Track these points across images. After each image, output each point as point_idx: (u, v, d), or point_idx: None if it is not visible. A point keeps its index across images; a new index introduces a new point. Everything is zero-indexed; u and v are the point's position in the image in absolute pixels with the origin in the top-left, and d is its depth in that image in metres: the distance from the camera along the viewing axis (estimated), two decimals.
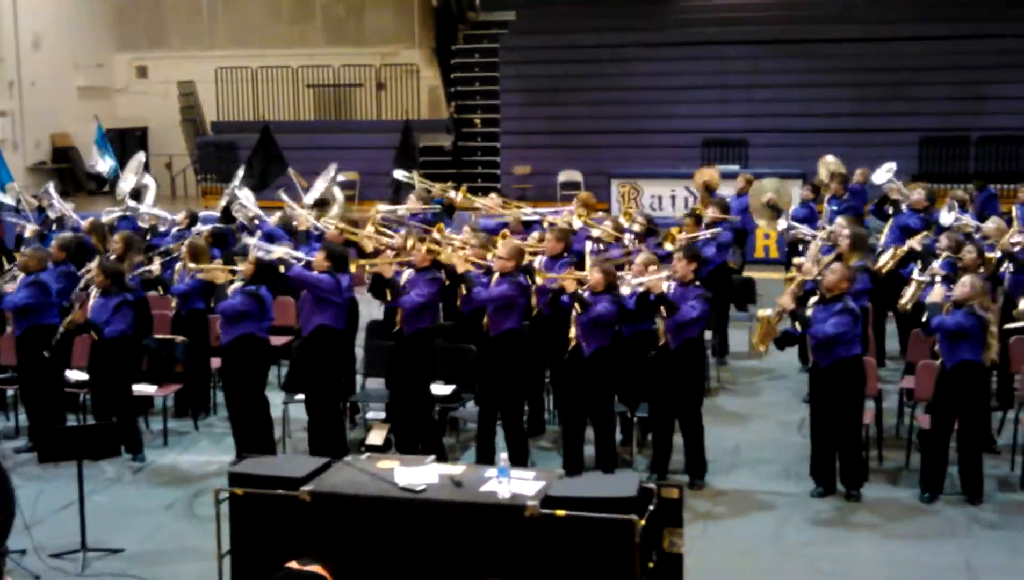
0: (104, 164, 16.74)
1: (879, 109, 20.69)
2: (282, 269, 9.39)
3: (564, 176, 21.25)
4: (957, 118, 20.49)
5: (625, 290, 8.87)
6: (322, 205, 13.93)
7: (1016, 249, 10.41)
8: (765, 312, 8.88)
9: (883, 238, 12.17)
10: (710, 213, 12.07)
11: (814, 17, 22.09)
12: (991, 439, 9.43)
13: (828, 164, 15.38)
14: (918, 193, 12.69)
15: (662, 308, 8.63)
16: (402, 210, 12.51)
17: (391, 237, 10.52)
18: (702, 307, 8.71)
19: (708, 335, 11.13)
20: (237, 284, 9.31)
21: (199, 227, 12.24)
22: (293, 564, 4.38)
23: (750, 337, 10.73)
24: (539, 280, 9.24)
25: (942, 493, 8.45)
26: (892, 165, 14.33)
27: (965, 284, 8.34)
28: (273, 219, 12.11)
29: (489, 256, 9.35)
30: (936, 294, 8.56)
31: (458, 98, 23.68)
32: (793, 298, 8.70)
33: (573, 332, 8.78)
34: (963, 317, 8.20)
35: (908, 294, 9.66)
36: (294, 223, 11.86)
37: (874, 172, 14.61)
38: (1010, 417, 9.50)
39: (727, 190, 14.53)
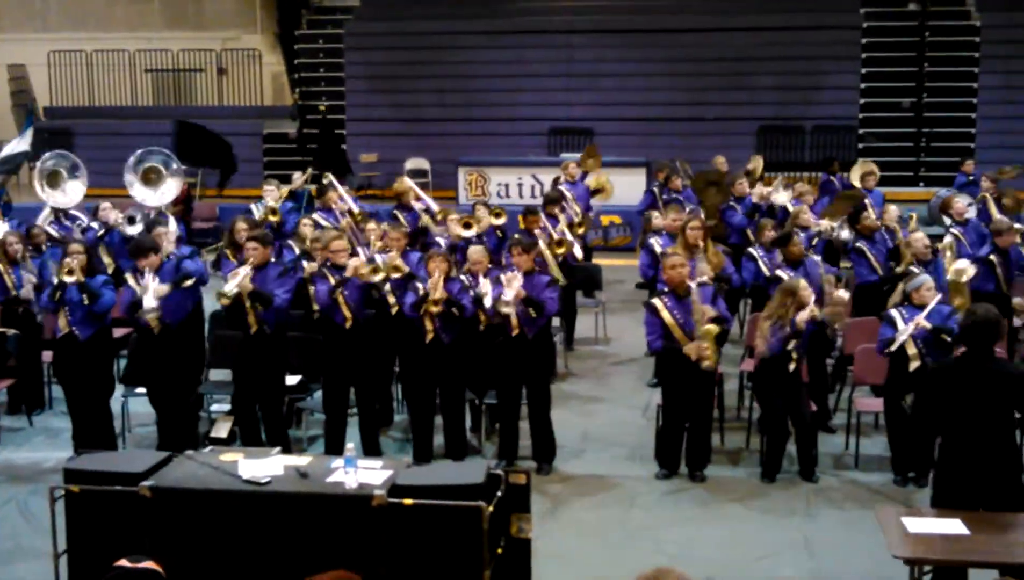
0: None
1: (719, 98, 21.15)
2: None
3: (411, 164, 21.14)
4: (792, 107, 21.08)
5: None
6: None
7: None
8: None
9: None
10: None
11: (657, 7, 22.45)
12: (828, 417, 9.75)
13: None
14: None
15: (531, 310, 8.67)
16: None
17: None
18: (556, 295, 8.84)
19: (556, 322, 11.23)
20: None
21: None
22: (124, 562, 4.25)
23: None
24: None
25: (780, 472, 8.70)
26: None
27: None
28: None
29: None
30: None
31: (302, 84, 23.34)
32: None
33: (430, 324, 8.77)
34: None
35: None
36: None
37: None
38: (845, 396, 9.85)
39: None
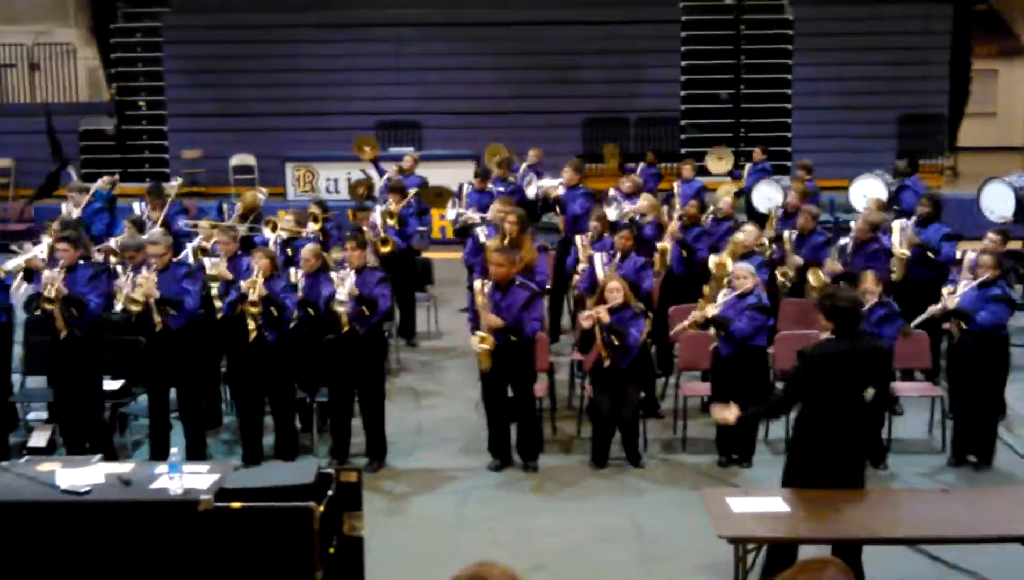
0: None
1: (545, 92, 21.34)
2: None
3: (237, 160, 20.73)
4: (616, 100, 21.41)
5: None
6: None
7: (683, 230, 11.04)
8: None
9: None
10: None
11: (482, 1, 22.49)
12: (655, 404, 9.95)
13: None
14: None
15: (364, 308, 8.60)
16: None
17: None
18: (388, 292, 8.79)
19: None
20: None
21: None
22: None
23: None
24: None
25: (610, 458, 8.84)
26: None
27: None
28: None
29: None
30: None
31: (120, 80, 22.60)
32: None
33: (252, 323, 8.61)
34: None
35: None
36: None
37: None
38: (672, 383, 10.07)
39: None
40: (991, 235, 9.66)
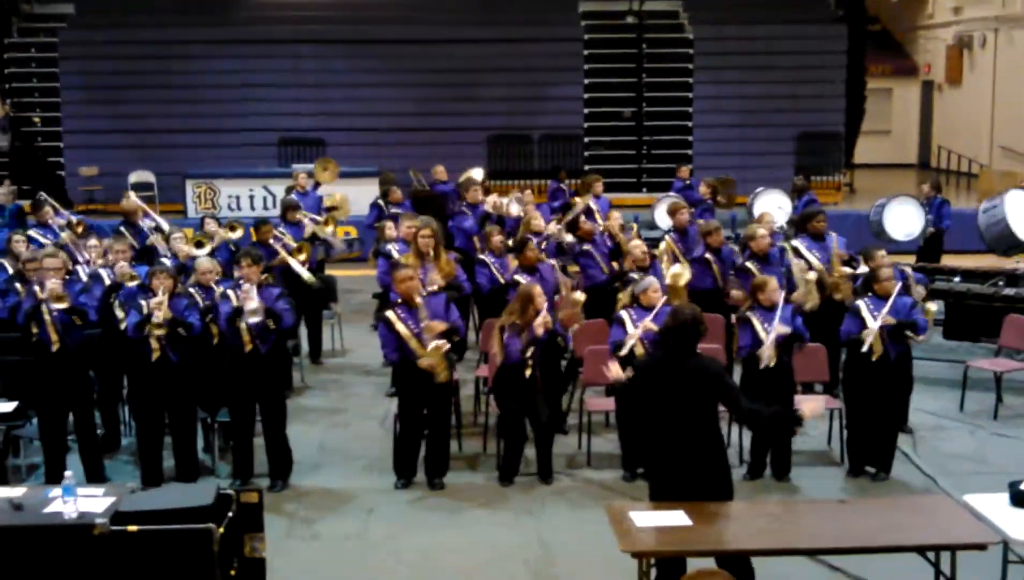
0: None
1: (449, 109, 21.36)
2: None
3: (136, 177, 20.35)
4: (520, 117, 21.52)
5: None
6: None
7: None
8: None
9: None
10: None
11: (382, 18, 22.46)
12: (563, 420, 9.96)
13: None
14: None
15: (270, 322, 8.47)
16: None
17: None
18: (290, 307, 8.72)
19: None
20: None
21: None
22: None
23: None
24: None
25: (518, 475, 8.83)
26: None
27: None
28: None
29: None
30: None
31: (14, 95, 22.10)
32: None
33: (156, 342, 8.44)
34: None
35: None
36: None
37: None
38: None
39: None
40: (883, 251, 9.83)
